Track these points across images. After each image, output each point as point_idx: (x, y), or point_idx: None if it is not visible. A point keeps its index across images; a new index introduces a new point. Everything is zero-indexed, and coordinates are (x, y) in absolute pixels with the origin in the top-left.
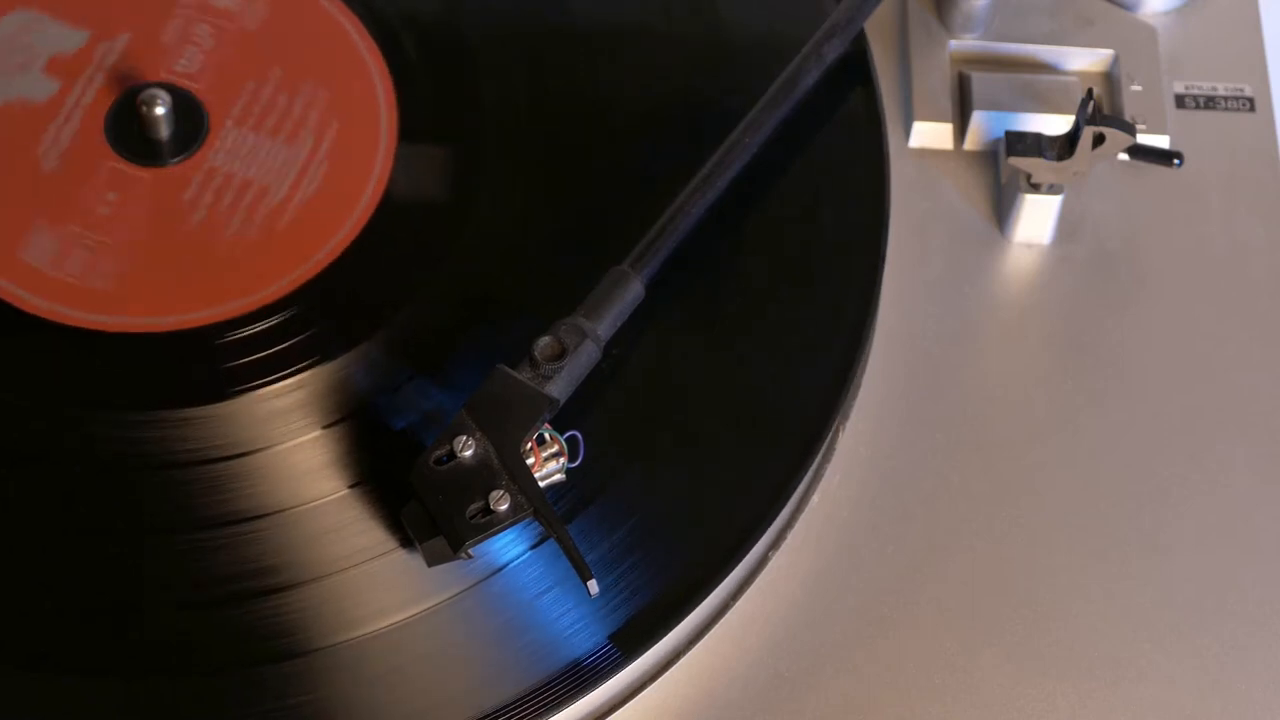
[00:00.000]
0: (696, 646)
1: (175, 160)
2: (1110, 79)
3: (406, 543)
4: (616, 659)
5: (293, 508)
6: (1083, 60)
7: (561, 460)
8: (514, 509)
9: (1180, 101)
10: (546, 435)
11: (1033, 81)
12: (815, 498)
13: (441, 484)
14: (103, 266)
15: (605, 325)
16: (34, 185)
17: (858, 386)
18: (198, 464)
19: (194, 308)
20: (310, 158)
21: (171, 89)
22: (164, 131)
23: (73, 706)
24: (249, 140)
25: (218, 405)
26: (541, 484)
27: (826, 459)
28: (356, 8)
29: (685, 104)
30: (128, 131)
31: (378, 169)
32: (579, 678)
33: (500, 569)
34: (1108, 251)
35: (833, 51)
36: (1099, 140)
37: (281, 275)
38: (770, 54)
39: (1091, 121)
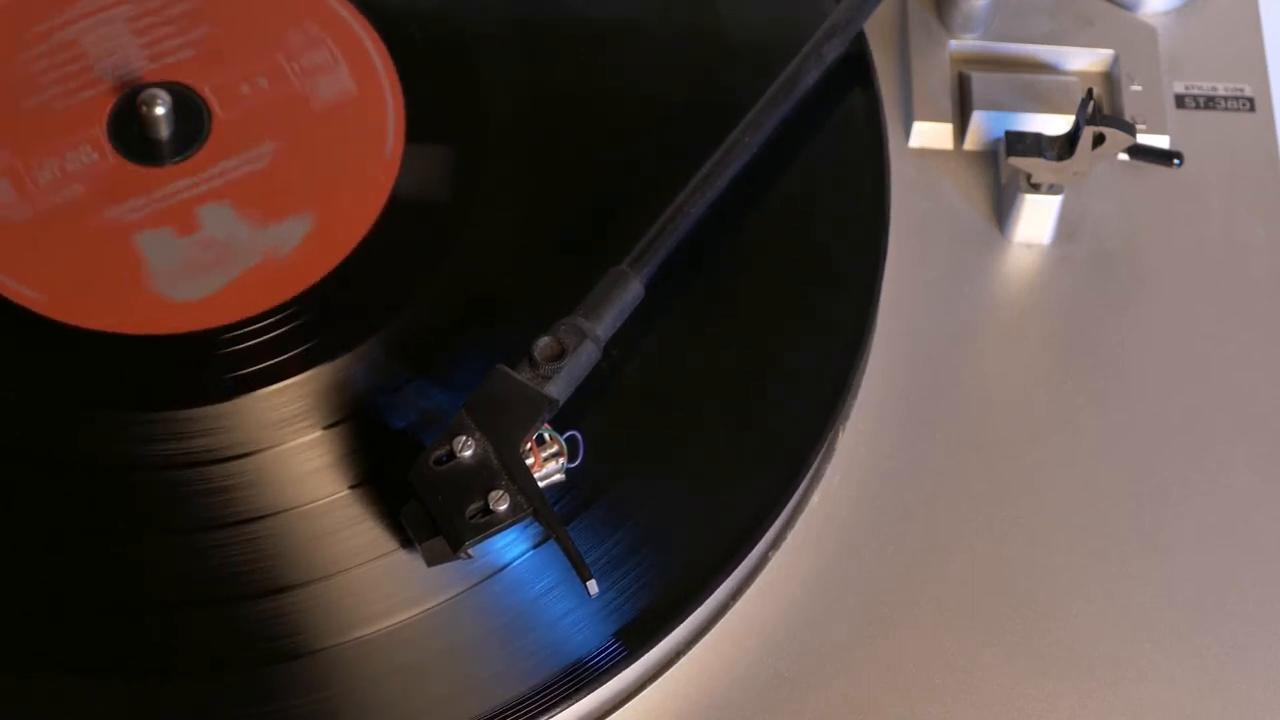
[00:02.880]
0: (696, 646)
1: (174, 160)
2: (1110, 79)
3: (407, 543)
4: (617, 659)
5: (293, 508)
6: (1083, 60)
7: (561, 460)
8: (513, 509)
9: (1180, 101)
10: (546, 435)
11: (1033, 81)
12: (815, 498)
13: (441, 484)
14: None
15: (605, 325)
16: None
17: (858, 386)
18: (198, 464)
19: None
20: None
21: (172, 89)
22: (164, 132)
23: (73, 706)
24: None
25: (218, 406)
26: (541, 484)
27: (826, 459)
28: (363, 8)
29: (685, 104)
30: (128, 131)
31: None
32: (579, 677)
33: (500, 569)
34: (1108, 251)
35: (833, 51)
36: (1099, 140)
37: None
38: (770, 54)
39: (1091, 121)
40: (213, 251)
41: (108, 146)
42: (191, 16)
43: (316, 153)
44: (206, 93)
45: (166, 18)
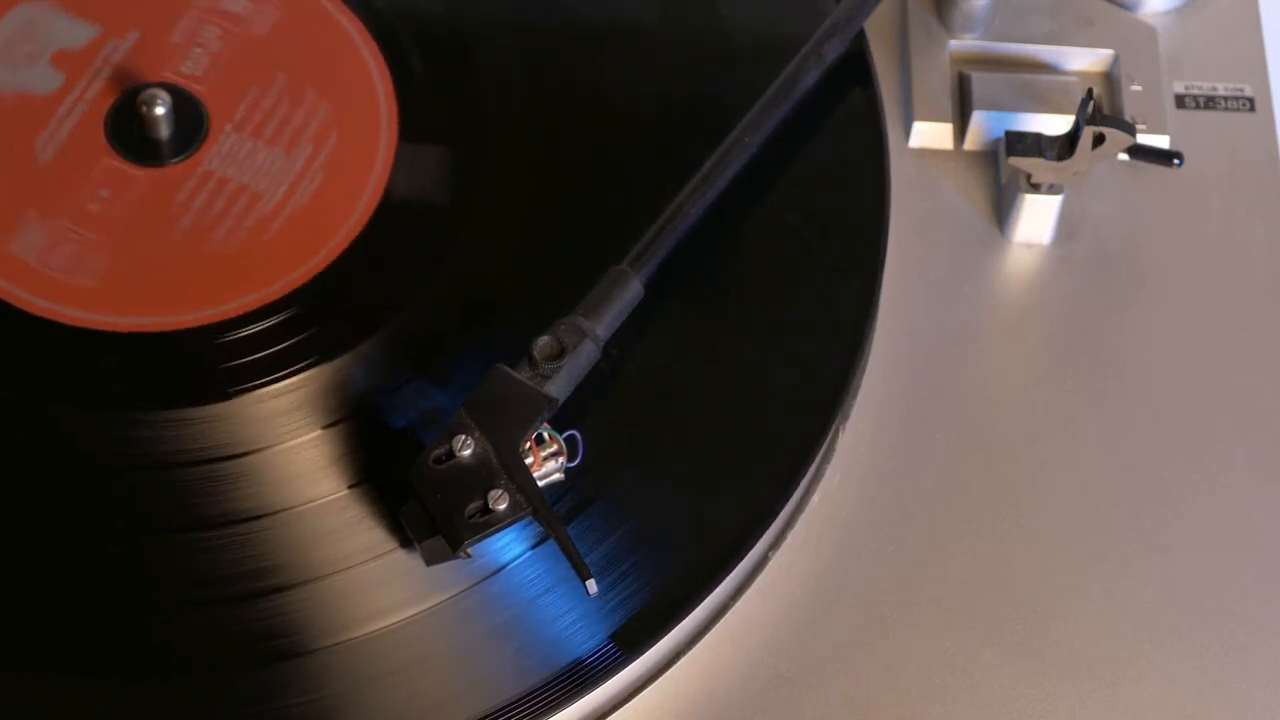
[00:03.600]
0: (696, 646)
1: (175, 160)
2: (1110, 79)
3: (406, 542)
4: (616, 659)
5: (292, 508)
6: (1083, 60)
7: (560, 460)
8: (512, 508)
9: (1180, 101)
10: (545, 435)
11: (1033, 81)
12: (815, 498)
13: (440, 483)
14: (89, 263)
15: (604, 325)
16: (28, 177)
17: (858, 386)
18: (198, 464)
19: (175, 310)
20: (307, 165)
21: (172, 89)
22: (164, 131)
23: (73, 706)
24: (247, 146)
25: (218, 405)
26: (540, 483)
27: (826, 459)
28: (357, 8)
29: (685, 104)
30: (127, 131)
31: (378, 169)
32: (579, 677)
33: (500, 569)
34: (1108, 251)
35: (833, 51)
36: (1099, 140)
37: (281, 275)
38: (770, 54)
39: (1091, 121)
40: None
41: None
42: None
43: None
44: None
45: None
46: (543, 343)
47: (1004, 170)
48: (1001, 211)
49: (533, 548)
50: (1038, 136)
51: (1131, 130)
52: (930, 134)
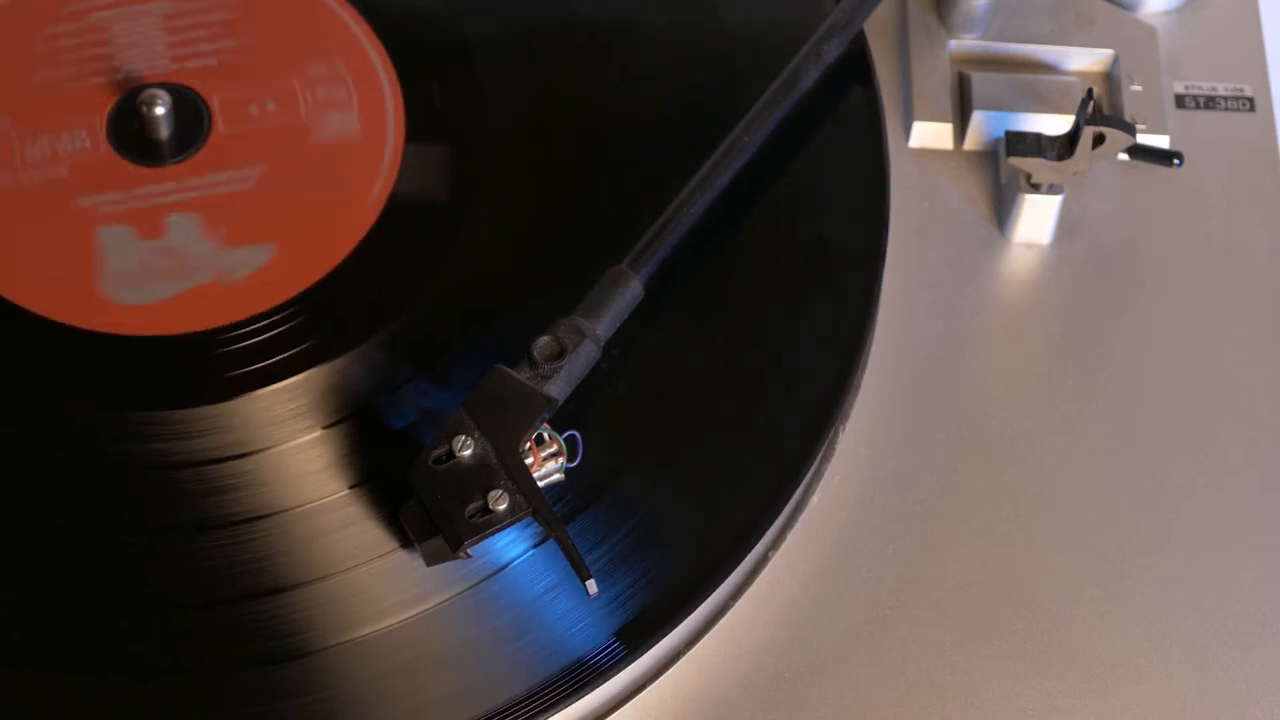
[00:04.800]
0: (696, 646)
1: (174, 160)
2: (1110, 79)
3: (406, 543)
4: (616, 659)
5: (293, 508)
6: (1083, 60)
7: (560, 460)
8: (512, 509)
9: (1180, 101)
10: (545, 435)
11: (1033, 81)
12: (815, 498)
13: (440, 483)
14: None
15: (604, 325)
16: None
17: (858, 386)
18: (198, 464)
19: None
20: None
21: (172, 88)
22: (164, 131)
23: (73, 706)
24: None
25: (218, 406)
26: (540, 484)
27: (826, 459)
28: (362, 8)
29: (685, 104)
30: (127, 132)
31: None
32: (579, 677)
33: (500, 569)
34: (1107, 251)
35: (832, 51)
36: (1099, 140)
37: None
38: (770, 54)
39: (1091, 121)
40: (169, 260)
41: (102, 137)
42: (225, 27)
43: (302, 185)
44: (214, 104)
45: (200, 22)
46: (542, 343)
47: (1004, 170)
48: (1001, 211)
49: (533, 548)
50: (1038, 136)
51: (1131, 130)
52: (930, 134)
